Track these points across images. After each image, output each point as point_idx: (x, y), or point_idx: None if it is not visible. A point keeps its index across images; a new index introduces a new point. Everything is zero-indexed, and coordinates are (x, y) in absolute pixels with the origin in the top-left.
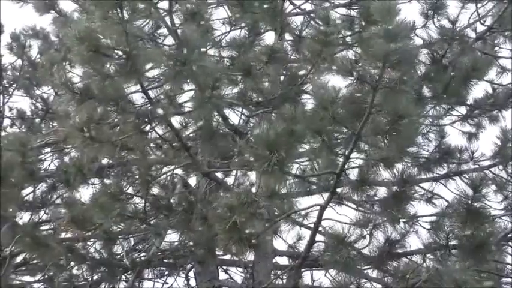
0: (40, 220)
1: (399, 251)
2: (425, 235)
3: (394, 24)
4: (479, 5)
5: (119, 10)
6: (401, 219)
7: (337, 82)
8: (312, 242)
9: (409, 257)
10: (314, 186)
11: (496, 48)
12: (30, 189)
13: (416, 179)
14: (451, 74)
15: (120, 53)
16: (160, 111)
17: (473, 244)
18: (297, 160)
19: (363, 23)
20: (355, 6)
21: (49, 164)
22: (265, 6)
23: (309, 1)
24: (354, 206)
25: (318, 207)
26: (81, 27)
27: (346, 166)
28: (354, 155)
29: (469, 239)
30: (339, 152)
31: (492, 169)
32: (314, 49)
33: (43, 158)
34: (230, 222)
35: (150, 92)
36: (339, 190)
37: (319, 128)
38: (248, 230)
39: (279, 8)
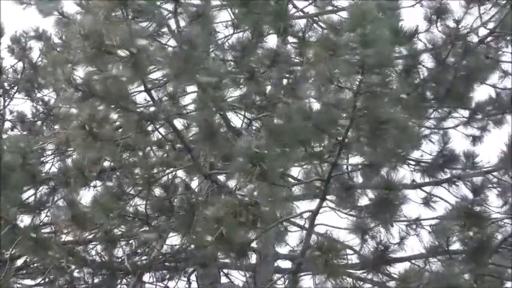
0: (41, 223)
1: (393, 255)
2: (427, 239)
3: (369, 29)
4: (482, 10)
5: (123, 9)
6: (401, 223)
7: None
8: (306, 247)
9: (412, 261)
10: (310, 191)
11: (499, 52)
12: (31, 191)
13: (415, 183)
14: (454, 77)
15: (123, 52)
16: (162, 111)
17: (473, 248)
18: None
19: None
20: None
21: (50, 167)
22: (269, 9)
23: (312, 4)
24: (345, 211)
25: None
26: (86, 24)
27: (334, 173)
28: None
29: (468, 243)
30: (326, 159)
31: (496, 173)
32: (320, 55)
33: (44, 161)
34: (217, 233)
35: (153, 92)
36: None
37: (302, 138)
38: (238, 239)
39: (283, 10)
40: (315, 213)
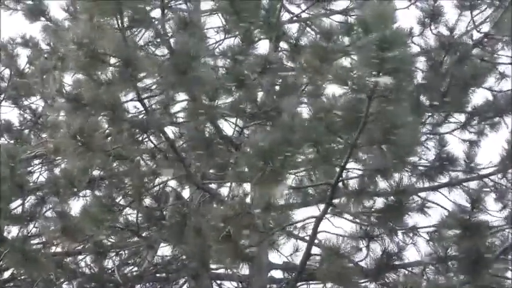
0: (29, 234)
1: (397, 262)
2: (425, 247)
3: (389, 31)
4: (476, 12)
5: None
6: (399, 231)
7: (332, 90)
8: (308, 254)
9: (409, 268)
10: (310, 198)
11: (495, 54)
12: (18, 202)
13: (415, 188)
14: (449, 81)
15: (115, 60)
16: (155, 120)
17: (471, 257)
18: (293, 170)
19: (359, 30)
20: (351, 13)
21: (38, 176)
22: (261, 15)
23: (306, 12)
24: (350, 217)
25: (314, 219)
26: (79, 32)
27: (342, 177)
28: (350, 165)
29: (466, 252)
30: (335, 163)
31: (492, 177)
32: (312, 64)
33: (32, 170)
34: (224, 234)
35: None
36: (336, 201)
37: (315, 138)
38: (243, 242)
39: (276, 17)
40: (319, 219)
